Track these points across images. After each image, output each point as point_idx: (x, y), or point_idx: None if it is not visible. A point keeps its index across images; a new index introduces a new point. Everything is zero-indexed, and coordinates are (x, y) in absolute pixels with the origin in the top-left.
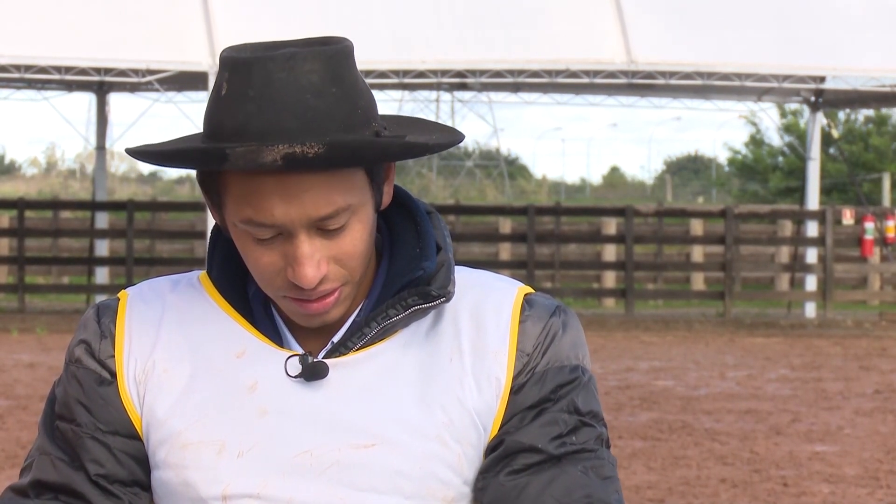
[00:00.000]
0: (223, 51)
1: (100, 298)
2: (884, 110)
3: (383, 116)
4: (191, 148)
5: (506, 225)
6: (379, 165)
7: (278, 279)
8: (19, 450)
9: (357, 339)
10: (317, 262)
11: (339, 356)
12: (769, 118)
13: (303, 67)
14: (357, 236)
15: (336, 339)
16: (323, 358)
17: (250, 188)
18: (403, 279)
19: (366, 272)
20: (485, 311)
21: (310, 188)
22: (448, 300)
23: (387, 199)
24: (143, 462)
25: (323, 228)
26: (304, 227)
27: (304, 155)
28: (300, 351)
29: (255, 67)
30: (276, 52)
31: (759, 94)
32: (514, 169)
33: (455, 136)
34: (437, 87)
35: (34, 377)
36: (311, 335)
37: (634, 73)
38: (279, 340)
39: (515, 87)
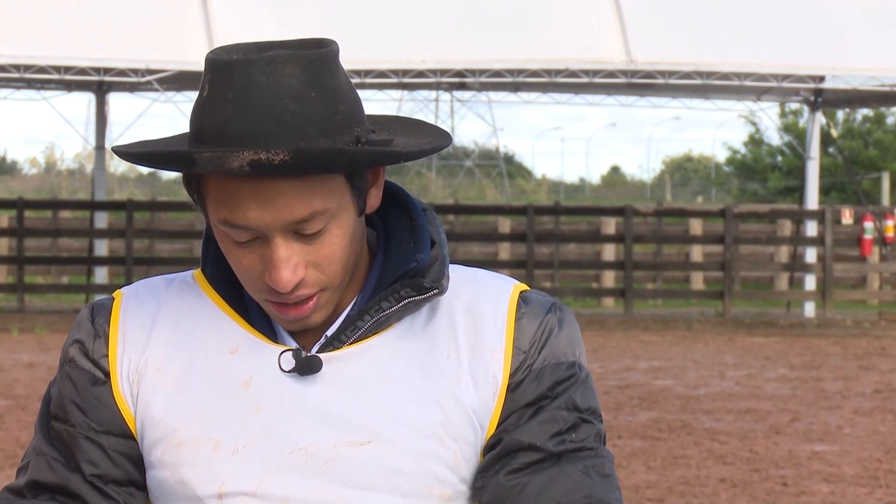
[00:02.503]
0: (209, 52)
1: (99, 298)
2: (883, 109)
3: (381, 118)
4: (162, 151)
5: (505, 224)
6: (361, 171)
7: (258, 282)
8: (18, 450)
9: (351, 332)
10: (293, 266)
11: (332, 350)
12: (768, 118)
13: (283, 71)
14: (336, 241)
15: (330, 332)
16: (317, 352)
17: (226, 191)
18: (397, 272)
19: (353, 274)
20: (481, 308)
21: (284, 192)
22: (441, 293)
23: (374, 202)
24: (137, 462)
25: (300, 233)
26: (279, 231)
27: (270, 161)
28: (294, 346)
29: (236, 70)
30: (258, 56)
31: (759, 94)
32: (513, 168)
33: (438, 143)
34: (437, 86)
35: (33, 377)
36: (306, 330)
37: (633, 73)
38: (273, 336)
39: (515, 87)
